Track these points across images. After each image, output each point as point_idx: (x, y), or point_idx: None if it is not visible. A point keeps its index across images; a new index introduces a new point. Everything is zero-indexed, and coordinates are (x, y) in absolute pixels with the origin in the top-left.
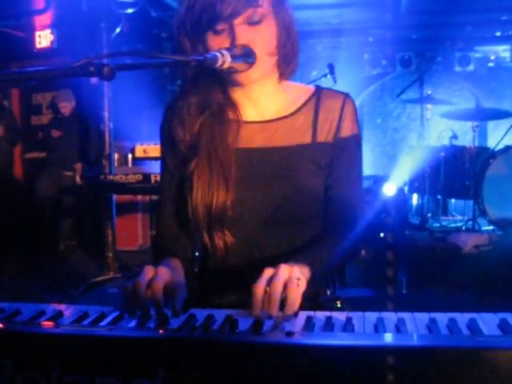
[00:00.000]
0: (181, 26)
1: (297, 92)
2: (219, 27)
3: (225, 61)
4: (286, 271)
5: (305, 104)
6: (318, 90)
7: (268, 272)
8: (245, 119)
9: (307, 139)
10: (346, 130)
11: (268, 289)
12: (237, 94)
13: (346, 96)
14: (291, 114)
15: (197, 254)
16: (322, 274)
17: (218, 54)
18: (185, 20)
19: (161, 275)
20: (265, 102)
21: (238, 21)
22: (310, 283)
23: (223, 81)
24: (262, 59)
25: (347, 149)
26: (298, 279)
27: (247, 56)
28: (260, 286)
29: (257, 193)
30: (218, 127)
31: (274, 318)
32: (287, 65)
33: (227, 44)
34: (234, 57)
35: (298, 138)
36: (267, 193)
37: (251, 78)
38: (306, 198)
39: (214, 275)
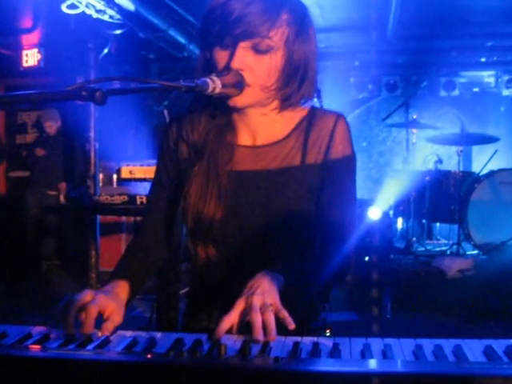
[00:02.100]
0: (198, 29)
1: (292, 115)
2: (226, 42)
3: (215, 87)
4: (258, 300)
5: (296, 127)
6: (312, 111)
7: (240, 304)
8: (239, 143)
9: (296, 162)
10: (337, 152)
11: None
12: (235, 117)
13: (339, 116)
14: (283, 139)
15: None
16: (301, 285)
17: (208, 80)
18: (201, 24)
19: (97, 300)
20: (260, 129)
21: (244, 44)
22: (287, 293)
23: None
24: (253, 89)
25: (337, 171)
26: (271, 305)
27: (237, 83)
28: (228, 318)
29: (243, 213)
30: (218, 145)
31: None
32: (289, 102)
33: (228, 63)
34: (224, 85)
35: (287, 161)
36: (253, 214)
37: (237, 104)
38: (293, 220)
39: (200, 293)
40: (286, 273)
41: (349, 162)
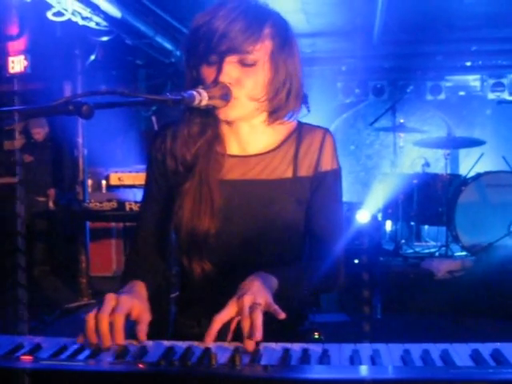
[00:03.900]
0: (183, 49)
1: (280, 128)
2: (212, 59)
3: (202, 99)
4: (248, 300)
5: (286, 140)
6: (300, 126)
7: (232, 305)
8: (228, 153)
9: (288, 174)
10: (326, 165)
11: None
12: (224, 128)
13: (326, 131)
14: (272, 150)
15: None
16: (294, 290)
17: (194, 93)
18: (186, 44)
19: (122, 304)
20: (249, 140)
21: (230, 58)
22: (280, 293)
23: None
24: (242, 101)
25: (326, 183)
26: (260, 304)
27: (224, 95)
28: (219, 319)
29: (235, 225)
30: (209, 157)
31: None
32: (277, 114)
33: (216, 78)
34: (211, 97)
35: (279, 173)
36: (246, 224)
37: (228, 116)
38: (285, 231)
39: (191, 302)
40: (279, 274)
41: (336, 174)
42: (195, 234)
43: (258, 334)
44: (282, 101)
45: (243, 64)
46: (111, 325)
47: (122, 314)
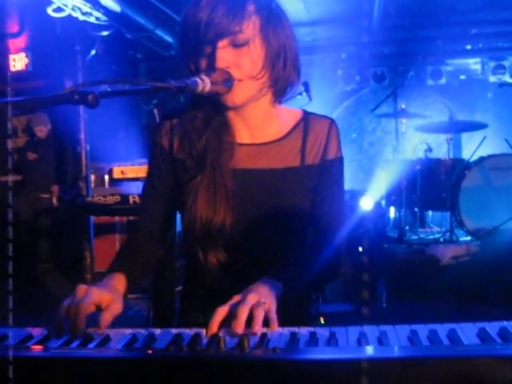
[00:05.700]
0: (178, 47)
1: (287, 116)
2: (205, 49)
3: (205, 86)
4: (253, 298)
5: (294, 128)
6: (306, 115)
7: (236, 298)
8: (238, 141)
9: (296, 162)
10: (332, 153)
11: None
12: (232, 116)
13: (332, 121)
14: (281, 138)
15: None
16: (298, 290)
17: (197, 79)
18: (178, 40)
19: (90, 296)
20: (257, 126)
21: (222, 43)
22: (286, 298)
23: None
24: (244, 82)
25: (331, 171)
26: (264, 303)
27: (226, 80)
28: (222, 310)
29: (246, 213)
30: (220, 146)
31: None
32: (278, 88)
33: (213, 66)
34: (213, 82)
35: (288, 161)
36: (258, 213)
37: (234, 100)
38: (295, 219)
39: (200, 293)
40: (284, 277)
41: (340, 163)
42: (211, 226)
43: (258, 327)
44: (281, 72)
45: (235, 46)
46: (76, 314)
47: (87, 303)
